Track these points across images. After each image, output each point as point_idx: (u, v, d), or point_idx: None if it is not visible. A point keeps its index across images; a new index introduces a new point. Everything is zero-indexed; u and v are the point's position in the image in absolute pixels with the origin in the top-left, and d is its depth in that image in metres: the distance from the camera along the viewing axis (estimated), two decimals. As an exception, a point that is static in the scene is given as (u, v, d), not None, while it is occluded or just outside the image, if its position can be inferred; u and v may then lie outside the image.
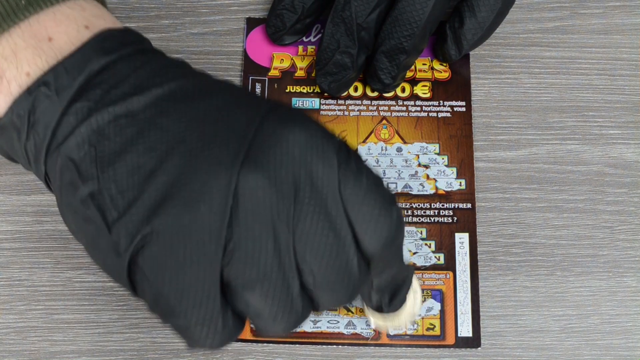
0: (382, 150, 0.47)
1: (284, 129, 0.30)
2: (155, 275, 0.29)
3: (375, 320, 0.41)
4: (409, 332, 0.44)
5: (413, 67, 0.49)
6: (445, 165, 0.47)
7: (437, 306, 0.44)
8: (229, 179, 0.29)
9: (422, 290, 0.44)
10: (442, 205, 0.46)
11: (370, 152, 0.47)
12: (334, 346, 0.44)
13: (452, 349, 0.43)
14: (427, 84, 0.49)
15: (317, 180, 0.30)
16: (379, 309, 0.38)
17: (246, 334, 0.43)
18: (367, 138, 0.48)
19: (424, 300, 0.44)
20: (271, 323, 0.31)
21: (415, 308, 0.41)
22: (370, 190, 0.31)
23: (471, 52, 0.49)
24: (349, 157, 0.31)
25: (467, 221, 0.46)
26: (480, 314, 0.44)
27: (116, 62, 0.31)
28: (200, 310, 0.29)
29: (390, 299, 0.37)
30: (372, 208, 0.30)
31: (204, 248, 0.29)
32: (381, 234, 0.31)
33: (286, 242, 0.29)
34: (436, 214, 0.46)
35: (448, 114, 0.48)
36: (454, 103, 0.48)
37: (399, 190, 0.46)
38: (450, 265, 0.45)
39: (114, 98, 0.30)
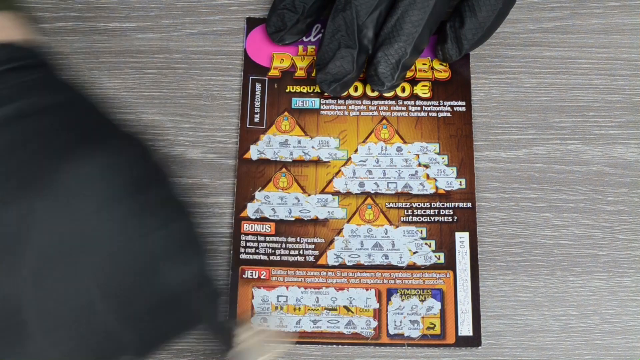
0: (382, 150, 0.47)
1: (84, 162, 0.30)
2: None
3: None
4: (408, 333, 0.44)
5: (413, 67, 0.49)
6: (445, 165, 0.47)
7: (437, 305, 0.44)
8: (18, 206, 0.28)
9: (423, 290, 0.44)
10: (442, 205, 0.46)
11: (370, 152, 0.47)
12: (334, 346, 0.44)
13: (452, 348, 0.43)
14: (427, 83, 0.49)
15: (104, 215, 0.29)
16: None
17: (246, 333, 0.43)
18: (367, 138, 0.48)
19: (424, 300, 0.44)
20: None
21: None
22: (155, 230, 0.30)
23: (471, 52, 0.49)
24: (147, 192, 0.31)
25: (467, 220, 0.46)
26: (481, 313, 0.44)
27: None
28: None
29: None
30: (162, 249, 0.30)
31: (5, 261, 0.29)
32: (173, 276, 0.31)
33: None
34: (436, 213, 0.46)
35: (448, 114, 0.48)
36: (454, 103, 0.48)
37: (399, 190, 0.46)
38: (450, 264, 0.45)
39: None
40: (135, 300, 0.30)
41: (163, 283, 0.30)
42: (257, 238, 0.45)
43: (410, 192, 0.46)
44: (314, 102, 0.48)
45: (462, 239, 0.45)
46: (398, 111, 0.48)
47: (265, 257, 0.45)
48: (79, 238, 0.29)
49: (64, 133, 0.31)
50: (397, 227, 0.46)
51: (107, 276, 0.29)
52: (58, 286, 0.28)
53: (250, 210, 0.46)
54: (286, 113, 0.48)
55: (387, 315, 0.44)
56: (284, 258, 0.45)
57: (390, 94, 0.49)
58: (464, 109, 0.48)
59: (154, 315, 0.30)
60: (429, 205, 0.46)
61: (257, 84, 0.49)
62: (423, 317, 0.44)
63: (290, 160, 0.47)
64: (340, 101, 0.48)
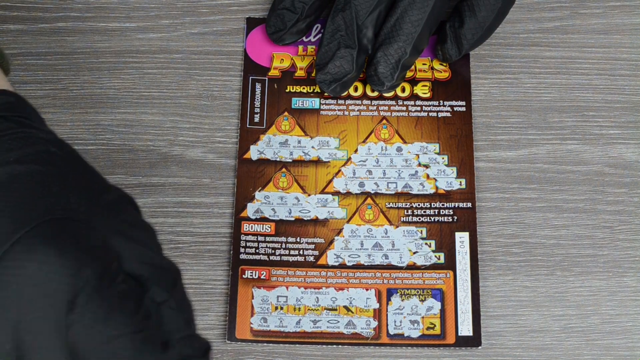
0: (382, 150, 0.47)
1: (31, 256, 0.27)
2: None
3: None
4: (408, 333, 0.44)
5: (413, 67, 0.49)
6: (446, 165, 0.47)
7: (437, 305, 0.44)
8: None
9: (423, 290, 0.44)
10: (442, 205, 0.46)
11: (370, 152, 0.47)
12: (334, 346, 0.44)
13: (452, 348, 0.43)
14: (427, 84, 0.49)
15: (49, 323, 0.27)
16: None
17: (246, 334, 0.43)
18: (367, 138, 0.48)
19: (424, 300, 0.44)
20: None
21: None
22: (108, 340, 0.27)
23: (471, 52, 0.49)
24: (97, 297, 0.27)
25: (467, 220, 0.46)
26: (481, 313, 0.44)
27: None
28: None
29: None
30: None
31: None
32: None
33: None
34: (436, 213, 0.46)
35: (448, 114, 0.48)
36: (454, 103, 0.48)
37: (399, 190, 0.46)
38: (450, 264, 0.45)
39: None
40: None
41: None
42: (257, 238, 0.45)
43: (410, 192, 0.46)
44: (314, 102, 0.48)
45: (462, 239, 0.45)
46: (398, 111, 0.48)
47: (265, 257, 0.45)
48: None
49: (15, 214, 0.28)
50: (397, 227, 0.46)
51: None
52: None
53: (250, 210, 0.46)
54: (286, 113, 0.48)
55: (387, 315, 0.44)
56: (284, 258, 0.45)
57: (390, 94, 0.49)
58: (464, 109, 0.48)
59: None
60: (429, 205, 0.46)
61: (257, 84, 0.49)
62: (423, 317, 0.44)
63: (290, 161, 0.47)
64: (340, 101, 0.48)
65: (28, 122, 0.31)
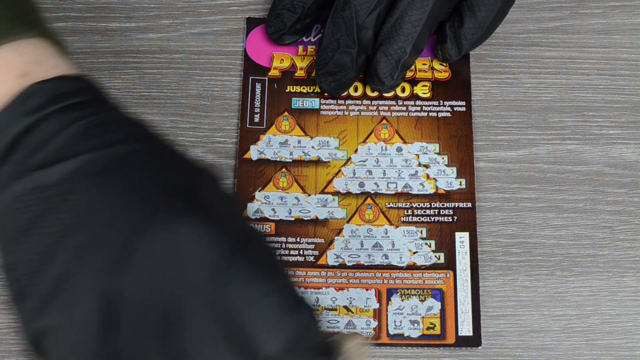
0: (382, 150, 0.47)
1: (172, 230, 0.28)
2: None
3: None
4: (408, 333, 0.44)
5: (413, 67, 0.49)
6: (445, 165, 0.47)
7: (437, 305, 0.44)
8: (110, 286, 0.27)
9: (423, 290, 0.44)
10: (442, 205, 0.46)
11: (370, 152, 0.47)
12: (334, 346, 0.44)
13: (452, 348, 0.43)
14: (427, 84, 0.49)
15: (201, 289, 0.27)
16: None
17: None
18: (367, 138, 0.48)
19: (424, 300, 0.44)
20: None
21: None
22: (262, 297, 0.28)
23: (471, 52, 0.49)
24: (241, 259, 0.28)
25: (467, 220, 0.46)
26: (481, 313, 0.44)
27: (39, 123, 0.29)
28: None
29: None
30: (264, 318, 0.27)
31: (82, 353, 0.27)
32: (278, 343, 0.28)
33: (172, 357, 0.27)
34: (436, 213, 0.46)
35: (448, 114, 0.48)
36: (454, 103, 0.48)
37: (399, 190, 0.46)
38: (450, 264, 0.45)
39: (29, 166, 0.28)
40: None
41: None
42: (257, 238, 0.45)
43: (410, 192, 0.46)
44: (314, 102, 0.48)
45: (462, 239, 0.45)
46: (398, 111, 0.48)
47: (265, 257, 0.45)
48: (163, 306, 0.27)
49: (142, 193, 0.28)
50: (397, 227, 0.46)
51: None
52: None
53: (250, 210, 0.46)
54: (286, 113, 0.48)
55: (387, 315, 0.44)
56: (284, 258, 0.45)
57: (390, 94, 0.49)
58: (464, 109, 0.48)
59: None
60: (429, 206, 0.46)
61: (257, 84, 0.49)
62: (423, 317, 0.44)
63: (290, 161, 0.47)
64: (340, 101, 0.48)
65: (108, 105, 0.31)
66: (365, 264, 0.45)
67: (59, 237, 0.28)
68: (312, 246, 0.45)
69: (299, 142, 0.48)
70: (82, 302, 0.27)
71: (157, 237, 0.27)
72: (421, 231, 0.45)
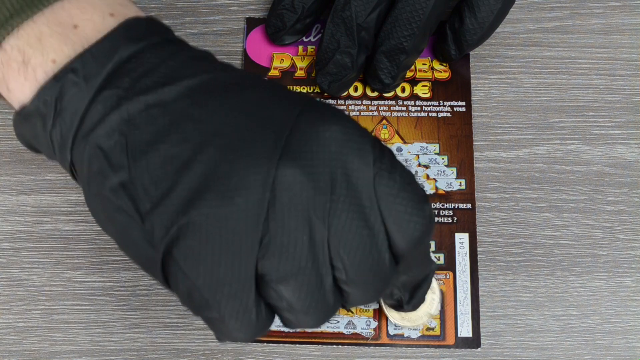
0: (382, 150, 0.47)
1: (320, 124, 0.30)
2: (190, 267, 0.28)
3: (393, 318, 0.41)
4: (407, 333, 0.44)
5: (413, 67, 0.49)
6: (445, 165, 0.47)
7: (437, 306, 0.44)
8: (266, 172, 0.28)
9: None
10: (442, 205, 0.46)
11: (370, 152, 0.47)
12: (334, 346, 0.44)
13: (452, 349, 0.43)
14: (427, 84, 0.49)
15: (353, 176, 0.29)
16: (398, 307, 0.38)
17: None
18: (367, 138, 0.48)
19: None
20: (302, 317, 0.30)
21: (433, 308, 0.42)
22: (404, 187, 0.30)
23: (471, 52, 0.49)
24: (382, 154, 0.30)
25: (467, 221, 0.46)
26: (480, 314, 0.44)
27: (144, 51, 0.30)
28: (234, 303, 0.29)
29: (411, 297, 0.37)
30: (405, 206, 0.30)
31: (240, 241, 0.28)
32: (413, 232, 0.30)
33: (321, 237, 0.29)
34: (436, 214, 0.46)
35: (448, 114, 0.48)
36: (454, 103, 0.48)
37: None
38: (450, 265, 0.45)
39: (144, 87, 0.29)
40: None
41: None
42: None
43: (410, 192, 0.46)
44: (313, 102, 0.48)
45: (461, 240, 0.45)
46: (398, 111, 0.48)
47: (265, 258, 0.45)
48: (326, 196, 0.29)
49: (269, 102, 0.30)
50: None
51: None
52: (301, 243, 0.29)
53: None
54: (286, 113, 0.48)
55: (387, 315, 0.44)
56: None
57: (390, 94, 0.49)
58: (464, 109, 0.48)
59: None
60: (428, 206, 0.46)
61: (257, 84, 0.49)
62: (423, 318, 0.44)
63: (290, 161, 0.47)
64: (340, 101, 0.48)
65: (193, 47, 0.33)
66: (365, 264, 0.45)
67: (195, 144, 0.29)
68: (312, 246, 0.45)
69: (299, 142, 0.47)
70: (244, 190, 0.28)
71: (311, 127, 0.30)
72: (421, 231, 0.45)
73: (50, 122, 0.30)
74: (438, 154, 0.47)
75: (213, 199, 0.28)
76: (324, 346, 0.44)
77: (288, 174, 0.28)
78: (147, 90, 0.29)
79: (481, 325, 0.44)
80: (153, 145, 0.29)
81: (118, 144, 0.29)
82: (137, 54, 0.30)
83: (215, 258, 0.28)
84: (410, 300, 0.37)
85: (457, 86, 0.49)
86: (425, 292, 0.37)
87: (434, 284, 0.41)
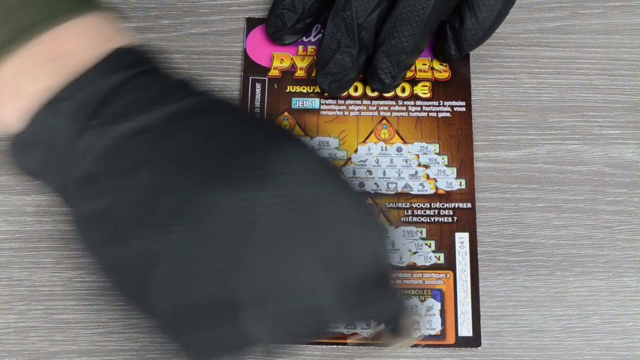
0: (382, 150, 0.47)
1: (291, 150, 0.31)
2: (168, 290, 0.29)
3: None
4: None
5: (413, 67, 0.49)
6: (445, 165, 0.47)
7: (437, 306, 0.44)
8: (241, 196, 0.29)
9: (422, 290, 0.44)
10: (442, 205, 0.46)
11: (370, 152, 0.47)
12: (334, 346, 0.44)
13: (452, 348, 0.43)
14: (427, 84, 0.49)
15: (323, 199, 0.30)
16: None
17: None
18: (367, 138, 0.48)
19: (424, 300, 0.44)
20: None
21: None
22: (354, 204, 0.32)
23: (471, 52, 0.49)
24: (337, 171, 0.32)
25: (467, 221, 0.46)
26: (481, 313, 0.44)
27: (134, 78, 0.31)
28: (210, 327, 0.29)
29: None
30: (362, 216, 0.32)
31: (218, 264, 0.29)
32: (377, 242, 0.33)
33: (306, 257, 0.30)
34: (436, 213, 0.46)
35: (448, 114, 0.48)
36: (454, 103, 0.48)
37: (399, 190, 0.46)
38: (450, 264, 0.45)
39: (132, 113, 0.30)
40: (349, 275, 0.31)
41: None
42: (257, 238, 0.45)
43: (410, 192, 0.46)
44: (314, 102, 0.48)
45: (462, 239, 0.45)
46: (398, 111, 0.48)
47: (265, 258, 0.45)
48: (300, 218, 0.29)
49: (247, 127, 0.32)
50: (397, 227, 0.46)
51: (329, 255, 0.30)
52: (279, 268, 0.29)
53: (250, 210, 0.46)
54: (286, 113, 0.48)
55: (387, 315, 0.44)
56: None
57: (390, 94, 0.49)
58: (464, 109, 0.48)
59: (362, 289, 0.32)
60: (429, 206, 0.46)
61: (257, 84, 0.49)
62: (421, 316, 0.44)
63: (290, 161, 0.47)
64: (340, 101, 0.48)
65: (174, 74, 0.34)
66: (366, 264, 0.45)
67: (174, 168, 0.30)
68: (312, 246, 0.45)
69: (299, 142, 0.48)
70: (219, 214, 0.29)
71: (283, 151, 0.31)
72: (421, 231, 0.45)
73: (46, 150, 0.31)
74: (438, 153, 0.47)
75: (189, 223, 0.29)
76: (324, 346, 0.44)
77: (262, 197, 0.29)
78: (134, 116, 0.30)
79: (481, 324, 0.44)
80: (134, 171, 0.30)
81: (104, 170, 0.30)
82: (126, 81, 0.31)
83: (191, 282, 0.29)
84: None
85: (457, 86, 0.49)
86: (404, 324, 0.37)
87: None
